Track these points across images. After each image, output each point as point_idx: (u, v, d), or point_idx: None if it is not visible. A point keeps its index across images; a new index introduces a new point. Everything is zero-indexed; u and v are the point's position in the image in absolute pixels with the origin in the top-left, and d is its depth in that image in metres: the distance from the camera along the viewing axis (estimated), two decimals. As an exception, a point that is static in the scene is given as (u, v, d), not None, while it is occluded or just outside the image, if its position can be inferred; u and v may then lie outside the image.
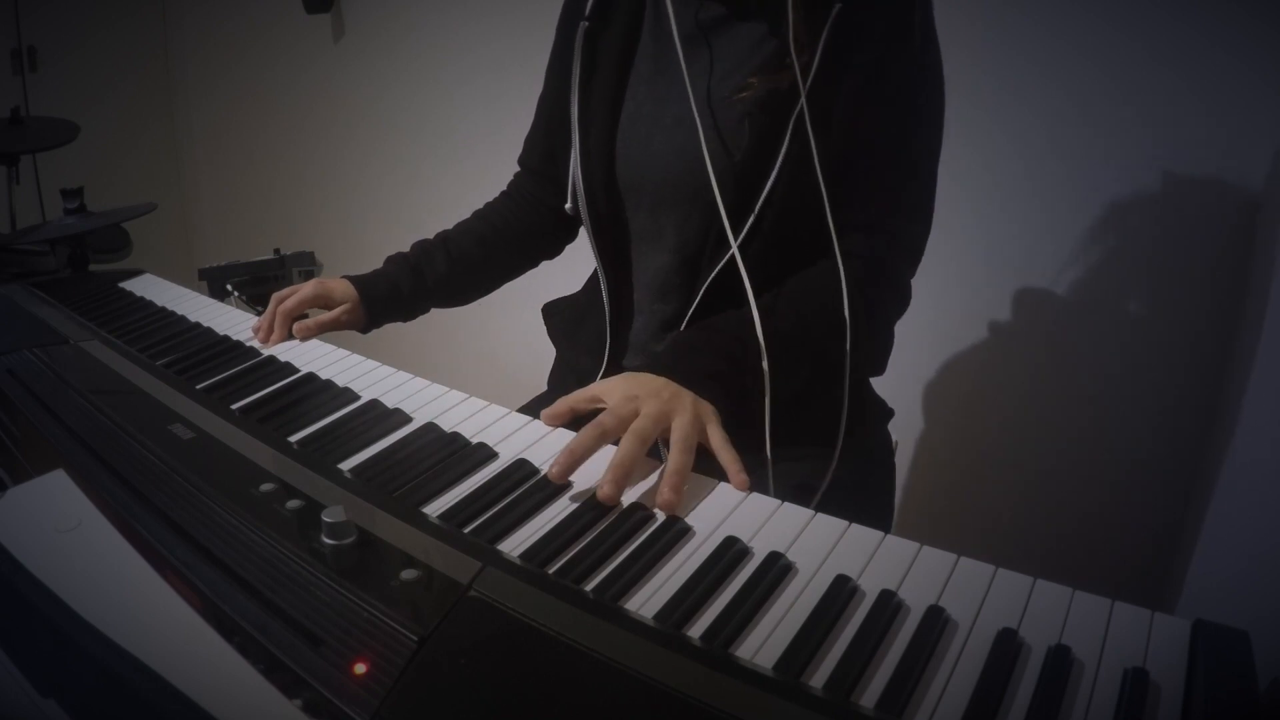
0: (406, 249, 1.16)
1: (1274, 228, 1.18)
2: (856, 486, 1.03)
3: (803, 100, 0.85)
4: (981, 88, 1.48)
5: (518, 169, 1.20)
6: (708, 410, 0.80)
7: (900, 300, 0.96)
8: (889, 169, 0.90)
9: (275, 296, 1.07)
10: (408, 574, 0.61)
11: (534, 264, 1.20)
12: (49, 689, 0.53)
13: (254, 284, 1.45)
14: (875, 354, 1.03)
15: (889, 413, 1.10)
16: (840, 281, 0.87)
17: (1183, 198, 1.38)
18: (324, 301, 1.08)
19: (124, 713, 0.52)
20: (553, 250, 1.21)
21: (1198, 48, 1.31)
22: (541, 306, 1.17)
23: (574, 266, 1.12)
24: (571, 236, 1.20)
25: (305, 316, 1.10)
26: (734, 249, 0.89)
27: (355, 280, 1.10)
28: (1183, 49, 1.32)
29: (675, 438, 0.76)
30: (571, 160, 1.00)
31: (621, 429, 0.76)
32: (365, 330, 1.12)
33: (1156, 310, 1.45)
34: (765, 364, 0.85)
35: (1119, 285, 1.47)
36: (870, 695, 0.53)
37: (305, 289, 1.07)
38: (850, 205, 0.90)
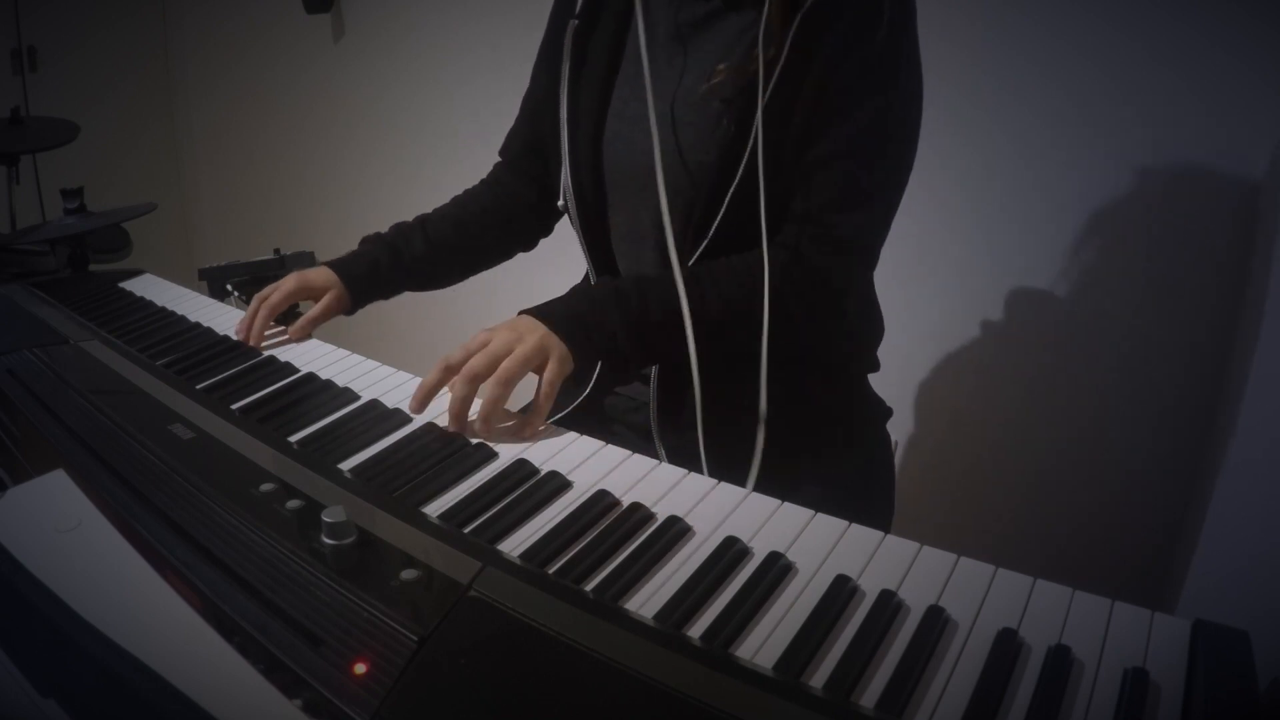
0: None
1: (1273, 227, 1.18)
2: (856, 486, 1.03)
3: (761, 93, 0.86)
4: (981, 88, 1.48)
5: (498, 159, 1.20)
6: (552, 347, 0.85)
7: (822, 293, 0.93)
8: (831, 161, 0.89)
9: (258, 296, 1.07)
10: (408, 574, 0.61)
11: (509, 255, 1.21)
12: (49, 689, 0.53)
13: (254, 284, 1.45)
14: (862, 345, 1.04)
15: (888, 412, 1.10)
16: (754, 269, 0.89)
17: (1182, 198, 1.38)
18: (307, 293, 1.08)
19: (124, 713, 0.52)
20: (528, 244, 1.21)
21: (1198, 48, 1.31)
22: None
23: (575, 267, 1.12)
24: (546, 232, 1.20)
25: (294, 310, 1.10)
26: (674, 256, 0.90)
27: (333, 264, 1.10)
28: (1183, 49, 1.32)
29: (498, 371, 0.82)
30: (563, 159, 1.01)
31: (466, 361, 0.83)
32: (351, 312, 1.12)
33: (1156, 310, 1.45)
34: (690, 333, 0.88)
35: (1119, 285, 1.47)
36: (870, 695, 0.54)
37: (286, 284, 1.07)
38: (791, 196, 0.91)
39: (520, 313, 0.90)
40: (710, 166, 0.91)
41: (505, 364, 0.83)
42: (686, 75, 0.94)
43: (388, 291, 1.14)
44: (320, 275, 1.09)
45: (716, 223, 0.91)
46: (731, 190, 0.89)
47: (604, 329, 0.89)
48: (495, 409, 0.83)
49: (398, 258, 1.12)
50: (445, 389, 0.86)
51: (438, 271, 1.17)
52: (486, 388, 0.82)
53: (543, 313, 0.88)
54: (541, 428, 0.85)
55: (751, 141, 0.87)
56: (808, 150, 0.89)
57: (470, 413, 0.84)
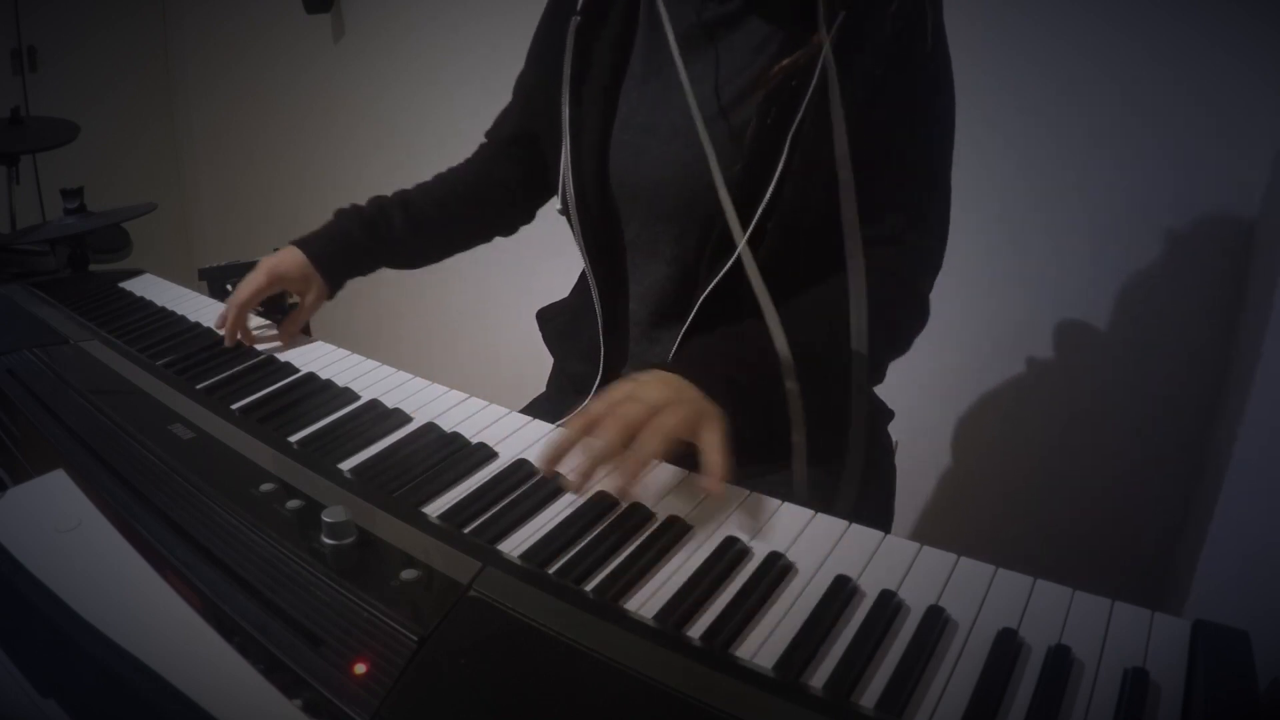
0: None
1: (1274, 228, 1.18)
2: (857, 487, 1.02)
3: (818, 73, 0.82)
4: (981, 89, 1.47)
5: (484, 140, 1.18)
6: (710, 411, 0.74)
7: (921, 315, 0.93)
8: (909, 180, 0.88)
9: (230, 300, 1.04)
10: (408, 574, 0.61)
11: (487, 239, 1.18)
12: (49, 689, 0.53)
13: (254, 284, 1.44)
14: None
15: (889, 413, 1.09)
16: (860, 294, 0.84)
17: (1182, 198, 1.38)
18: (280, 285, 1.05)
19: (124, 713, 0.52)
20: (509, 228, 1.19)
21: (1198, 48, 1.31)
22: (536, 312, 1.17)
23: (573, 265, 1.12)
24: (529, 218, 1.18)
25: (282, 299, 1.09)
26: (738, 252, 0.87)
27: (305, 246, 1.06)
28: (1183, 49, 1.32)
29: (653, 424, 0.70)
30: (562, 164, 0.98)
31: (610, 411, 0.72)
32: (330, 296, 1.09)
33: (1156, 310, 1.45)
34: (795, 381, 0.81)
35: (1119, 285, 1.47)
36: (870, 695, 0.54)
37: (257, 279, 1.03)
38: (870, 218, 0.86)
39: (658, 367, 0.79)
40: (737, 177, 0.87)
41: (666, 423, 0.70)
42: (712, 82, 0.90)
43: (364, 269, 1.11)
44: (293, 265, 1.05)
45: (745, 237, 0.86)
46: (764, 203, 0.85)
47: (761, 394, 0.81)
48: (647, 463, 0.69)
49: (375, 235, 1.08)
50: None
51: (416, 251, 1.14)
52: (642, 441, 0.69)
53: (693, 374, 0.77)
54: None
55: (785, 153, 0.84)
56: (878, 168, 0.85)
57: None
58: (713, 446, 0.71)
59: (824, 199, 0.85)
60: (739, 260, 0.87)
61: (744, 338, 0.84)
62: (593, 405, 0.73)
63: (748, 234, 0.87)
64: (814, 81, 0.83)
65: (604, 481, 0.73)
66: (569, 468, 0.73)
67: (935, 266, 0.93)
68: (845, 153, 0.84)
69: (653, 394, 0.73)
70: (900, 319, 0.91)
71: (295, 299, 1.08)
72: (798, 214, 0.86)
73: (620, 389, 0.75)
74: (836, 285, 0.86)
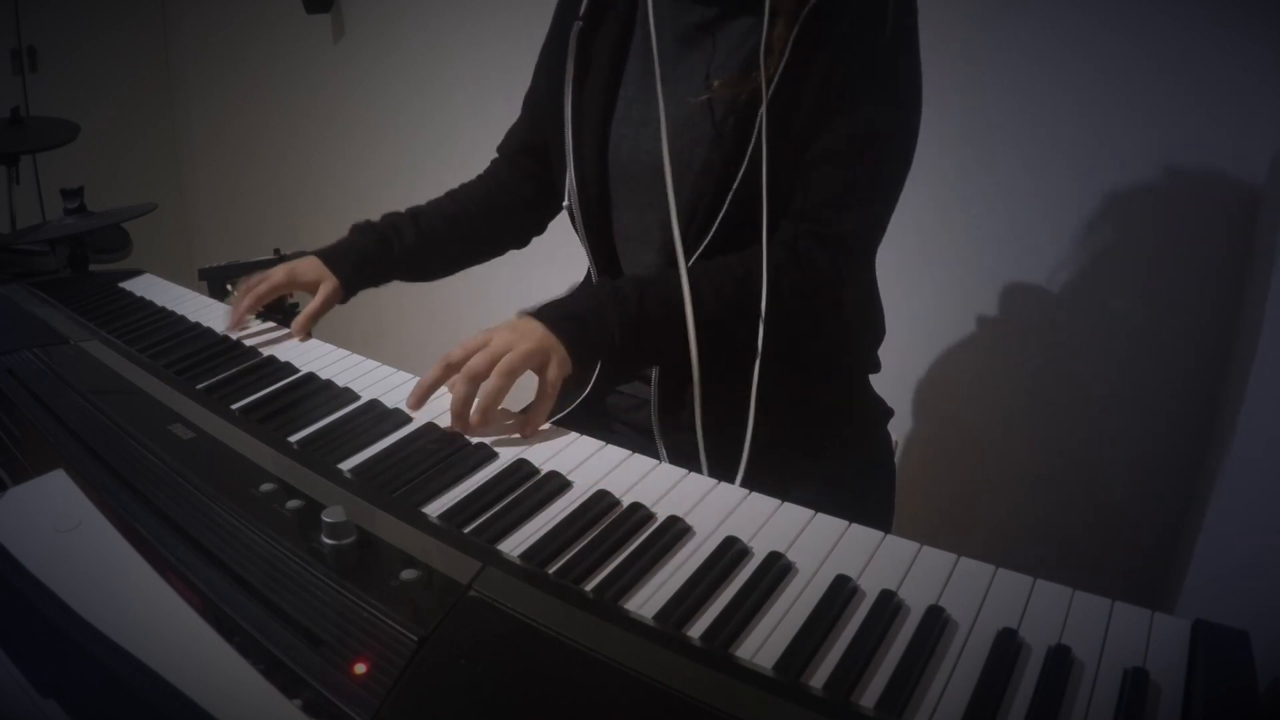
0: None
1: (1274, 227, 1.18)
2: (856, 487, 1.03)
3: (763, 108, 0.87)
4: (981, 86, 1.48)
5: (496, 155, 1.20)
6: (555, 345, 0.85)
7: (818, 288, 0.93)
8: (828, 158, 0.90)
9: (245, 284, 1.09)
10: (408, 574, 0.61)
11: (500, 251, 1.22)
12: (49, 689, 0.53)
13: (254, 284, 1.44)
14: (863, 345, 1.04)
15: (889, 412, 1.10)
16: (751, 266, 0.89)
17: (1183, 198, 1.38)
18: (295, 287, 1.09)
19: (124, 713, 0.52)
20: (521, 240, 1.22)
21: (1198, 50, 1.31)
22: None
23: (573, 265, 1.12)
24: (540, 229, 1.21)
25: (290, 305, 1.10)
26: (680, 258, 0.91)
27: (322, 254, 1.11)
28: (1183, 50, 1.32)
29: (499, 364, 0.82)
30: (566, 161, 1.01)
31: (466, 359, 0.84)
32: (344, 300, 1.13)
33: (1157, 310, 1.45)
34: (692, 332, 0.88)
35: (1119, 285, 1.47)
36: (870, 695, 0.54)
37: (275, 276, 1.08)
38: (787, 196, 0.91)
39: (519, 314, 0.90)
40: (713, 168, 0.92)
41: (506, 359, 0.83)
42: (692, 79, 0.94)
43: (377, 280, 1.14)
44: (309, 267, 1.09)
45: (717, 223, 0.91)
46: (732, 191, 0.90)
47: (603, 329, 0.89)
48: (495, 401, 0.83)
49: (387, 247, 1.12)
50: (445, 388, 0.86)
51: (428, 263, 1.17)
52: (486, 382, 0.82)
53: (542, 314, 0.88)
54: (543, 428, 0.85)
55: (753, 144, 0.88)
56: (807, 148, 0.90)
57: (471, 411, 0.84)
58: (547, 386, 0.85)
59: (787, 185, 0.91)
60: (711, 242, 0.93)
61: (611, 282, 0.93)
62: (451, 351, 0.85)
63: (718, 221, 0.91)
64: (776, 79, 0.87)
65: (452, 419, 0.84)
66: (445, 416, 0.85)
67: (842, 242, 0.92)
68: (796, 137, 0.89)
69: (501, 340, 0.84)
70: (787, 287, 0.91)
71: (295, 300, 1.10)
72: (758, 202, 0.89)
73: (476, 338, 0.86)
74: (735, 254, 0.92)
